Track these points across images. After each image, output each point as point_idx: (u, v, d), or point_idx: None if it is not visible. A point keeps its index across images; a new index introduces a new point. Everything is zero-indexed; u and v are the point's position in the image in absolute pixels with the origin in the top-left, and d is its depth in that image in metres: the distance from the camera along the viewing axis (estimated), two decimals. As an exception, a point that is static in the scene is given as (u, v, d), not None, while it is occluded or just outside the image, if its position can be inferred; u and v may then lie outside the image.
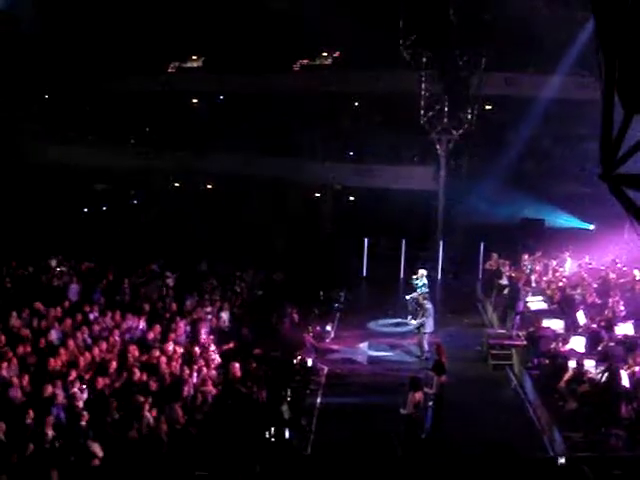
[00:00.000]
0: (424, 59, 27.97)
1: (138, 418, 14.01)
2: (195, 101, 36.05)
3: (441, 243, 28.48)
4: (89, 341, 17.88)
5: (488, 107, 31.29)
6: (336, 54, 33.88)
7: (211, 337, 19.02)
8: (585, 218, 29.31)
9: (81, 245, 27.01)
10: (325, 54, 33.96)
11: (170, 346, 17.59)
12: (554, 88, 27.66)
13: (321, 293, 24.68)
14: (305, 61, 34.18)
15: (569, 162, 28.02)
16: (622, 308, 19.60)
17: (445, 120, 28.27)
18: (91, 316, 19.68)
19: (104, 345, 17.36)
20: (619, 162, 7.41)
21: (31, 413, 13.44)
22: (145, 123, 35.74)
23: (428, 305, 20.23)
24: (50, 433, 12.97)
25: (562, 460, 7.21)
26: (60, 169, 31.47)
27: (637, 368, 15.66)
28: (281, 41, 30.02)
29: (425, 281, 22.28)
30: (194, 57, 35.60)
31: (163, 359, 16.75)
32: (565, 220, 29.35)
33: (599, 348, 17.08)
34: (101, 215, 32.11)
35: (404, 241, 28.39)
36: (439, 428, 14.87)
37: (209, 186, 35.04)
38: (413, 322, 21.16)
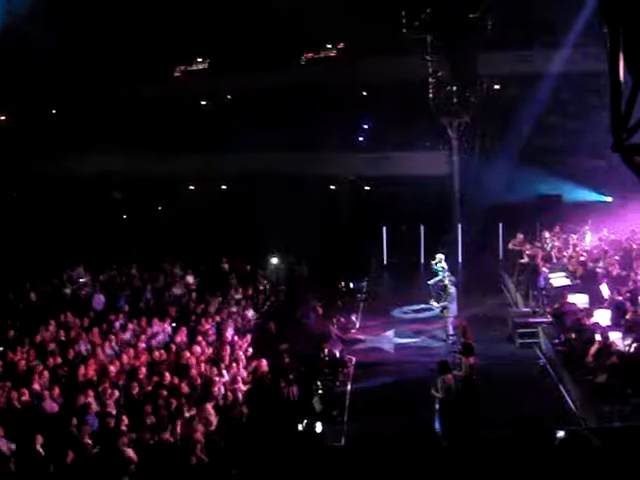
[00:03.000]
0: (429, 42, 27.97)
1: (172, 421, 14.17)
2: (204, 103, 36.14)
3: (459, 226, 28.43)
4: (117, 349, 18.07)
5: (496, 86, 31.15)
6: (340, 45, 33.85)
7: (238, 336, 19.13)
8: (602, 190, 29.17)
9: (101, 253, 27.20)
10: (329, 46, 33.94)
11: (198, 348, 17.74)
12: (562, 61, 27.53)
13: (343, 284, 24.77)
14: (310, 54, 34.17)
15: (582, 135, 27.83)
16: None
17: (454, 102, 28.20)
18: (117, 324, 19.87)
19: (132, 352, 17.54)
20: (630, 132, 7.39)
21: (74, 421, 13.63)
22: (156, 128, 35.87)
23: (452, 289, 20.25)
24: (89, 442, 13.14)
25: (561, 433, 7.18)
26: (75, 178, 31.66)
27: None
28: (285, 36, 30.01)
29: (445, 265, 22.26)
30: (199, 59, 35.69)
31: (192, 361, 16.90)
32: (582, 194, 29.21)
33: (625, 319, 17.03)
34: (120, 222, 32.21)
35: (422, 227, 28.37)
36: (471, 409, 14.89)
37: (224, 187, 35.13)
38: (435, 304, 21.16)
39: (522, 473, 4.98)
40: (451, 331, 19.75)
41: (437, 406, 14.34)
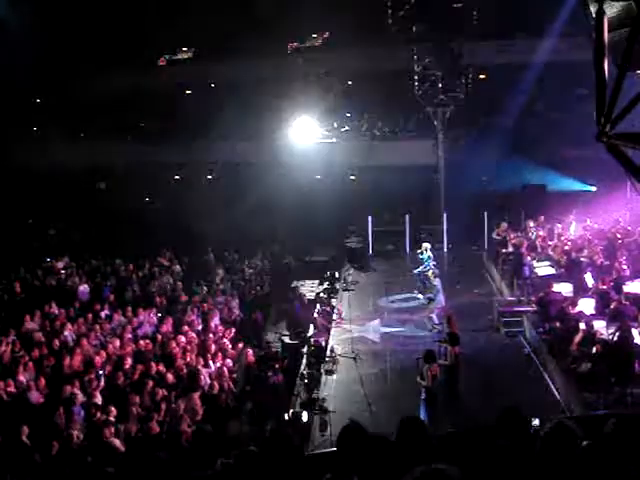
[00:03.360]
0: (414, 32, 27.98)
1: (158, 411, 14.18)
2: (189, 92, 36.01)
3: (445, 215, 28.47)
4: (102, 339, 18.06)
5: (482, 76, 31.17)
6: (325, 35, 33.77)
7: (223, 325, 19.16)
8: (586, 180, 29.32)
9: (87, 244, 27.12)
10: (315, 36, 33.86)
11: (183, 338, 17.75)
12: (547, 51, 27.58)
13: (329, 273, 24.79)
14: (295, 44, 34.07)
15: (567, 125, 27.90)
16: (625, 267, 19.70)
17: (440, 92, 28.23)
18: (102, 314, 19.85)
19: (117, 342, 17.52)
20: (614, 122, 7.41)
21: (60, 411, 13.61)
22: (140, 118, 35.78)
23: (436, 281, 20.31)
24: (75, 433, 13.13)
25: (536, 422, 7.19)
26: (60, 170, 31.50)
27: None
28: (268, 27, 29.90)
29: (430, 254, 22.34)
30: (184, 49, 35.56)
31: (178, 351, 16.91)
32: (566, 184, 29.34)
33: (609, 308, 17.13)
34: (105, 212, 32.05)
35: (408, 216, 28.39)
36: (456, 398, 14.99)
37: (209, 177, 35.09)
38: (420, 296, 21.24)
39: (499, 462, 5.01)
40: (436, 321, 19.82)
41: (423, 395, 14.39)
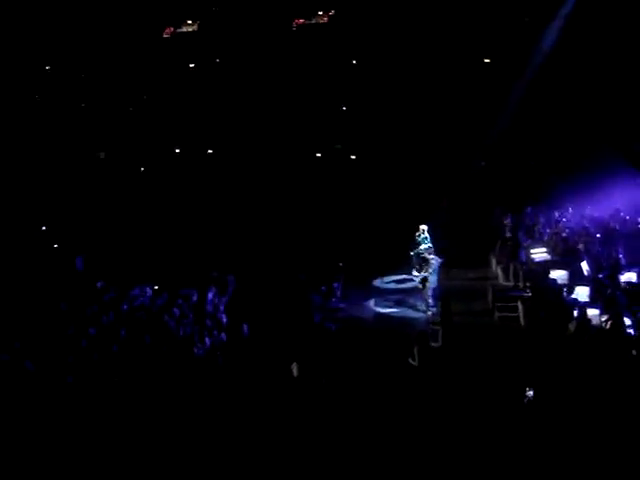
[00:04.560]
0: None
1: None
2: (192, 65, 35.78)
3: (444, 198, 28.37)
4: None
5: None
6: (331, 12, 33.55)
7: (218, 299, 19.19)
8: (586, 168, 29.21)
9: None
10: (321, 13, 33.63)
11: (178, 310, 17.80)
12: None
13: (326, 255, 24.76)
14: (301, 20, 33.85)
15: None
16: (621, 256, 19.78)
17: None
18: (98, 285, 19.92)
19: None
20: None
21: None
22: (143, 91, 35.55)
23: (433, 260, 20.31)
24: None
25: (530, 393, 7.35)
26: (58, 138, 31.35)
27: (641, 314, 15.84)
28: (276, 2, 29.78)
29: (427, 235, 22.35)
30: (189, 22, 35.29)
31: (172, 323, 16.97)
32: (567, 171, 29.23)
33: (603, 296, 17.22)
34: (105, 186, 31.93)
35: (407, 198, 28.29)
36: (448, 379, 15.07)
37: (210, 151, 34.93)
38: (416, 274, 21.21)
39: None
40: (431, 302, 19.87)
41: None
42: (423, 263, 20.81)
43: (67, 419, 13.94)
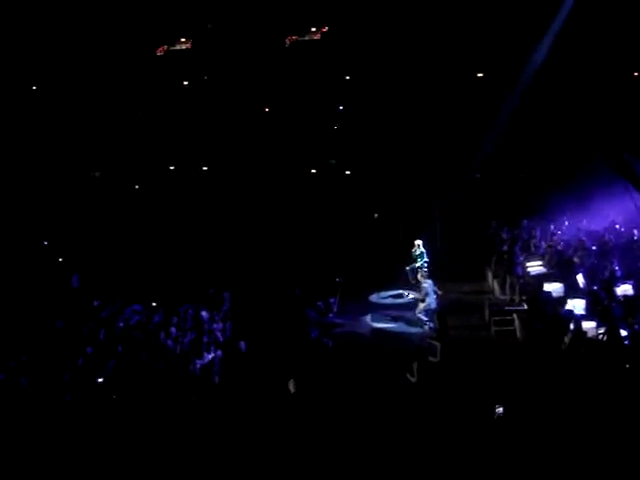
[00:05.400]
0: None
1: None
2: (186, 83, 35.85)
3: (438, 213, 28.45)
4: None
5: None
6: (324, 29, 33.67)
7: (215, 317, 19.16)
8: (581, 181, 29.28)
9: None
10: (314, 29, 33.73)
11: (174, 329, 17.77)
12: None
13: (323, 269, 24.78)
14: (294, 37, 33.94)
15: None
16: (616, 269, 19.82)
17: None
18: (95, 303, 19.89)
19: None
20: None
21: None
22: (137, 107, 35.55)
23: (425, 284, 20.21)
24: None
25: (500, 409, 7.38)
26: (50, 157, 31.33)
27: (637, 327, 15.86)
28: (268, 19, 29.88)
29: (423, 250, 22.43)
30: (182, 39, 35.36)
31: (169, 342, 16.94)
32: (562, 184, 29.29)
33: (599, 309, 17.25)
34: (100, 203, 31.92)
35: (402, 213, 28.39)
36: (445, 394, 15.05)
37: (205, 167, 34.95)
38: (410, 296, 21.19)
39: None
40: (425, 318, 19.84)
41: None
42: (416, 283, 20.86)
43: (63, 437, 13.91)
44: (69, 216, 28.21)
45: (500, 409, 7.56)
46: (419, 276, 20.67)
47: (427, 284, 20.17)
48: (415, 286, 21.47)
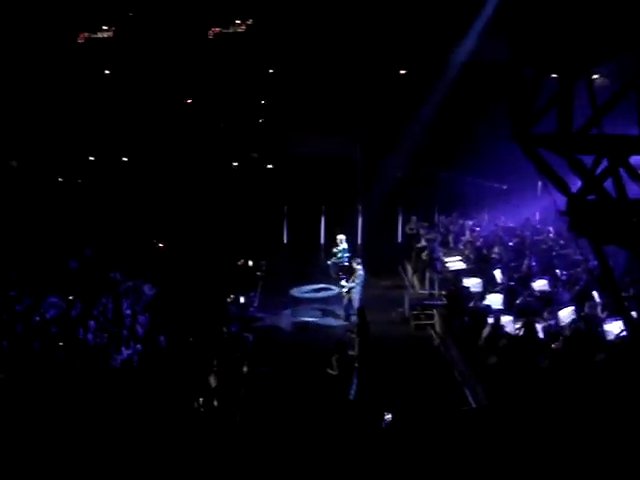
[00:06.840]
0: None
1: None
2: (107, 72, 35.22)
3: (359, 208, 28.71)
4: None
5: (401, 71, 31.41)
6: (249, 22, 33.49)
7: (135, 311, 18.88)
8: (499, 178, 29.84)
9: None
10: (238, 22, 33.52)
11: (93, 322, 17.45)
12: (465, 52, 27.82)
13: (242, 262, 24.66)
14: (217, 29, 33.66)
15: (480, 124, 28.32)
16: (533, 264, 20.27)
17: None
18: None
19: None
20: (531, 122, 7.62)
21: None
22: (56, 95, 34.77)
23: (361, 271, 20.31)
24: None
25: (388, 416, 7.43)
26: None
27: (552, 321, 16.23)
28: (192, 10, 29.59)
29: (346, 245, 22.54)
30: (105, 27, 34.69)
31: (89, 336, 16.63)
32: (480, 180, 29.81)
33: (516, 304, 17.60)
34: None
35: (324, 208, 28.51)
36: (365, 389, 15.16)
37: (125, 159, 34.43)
38: (345, 284, 21.12)
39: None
40: (356, 306, 19.83)
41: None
42: (342, 272, 20.89)
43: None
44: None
45: (389, 416, 7.60)
46: (354, 263, 20.55)
47: (361, 272, 20.15)
48: (337, 280, 21.51)
